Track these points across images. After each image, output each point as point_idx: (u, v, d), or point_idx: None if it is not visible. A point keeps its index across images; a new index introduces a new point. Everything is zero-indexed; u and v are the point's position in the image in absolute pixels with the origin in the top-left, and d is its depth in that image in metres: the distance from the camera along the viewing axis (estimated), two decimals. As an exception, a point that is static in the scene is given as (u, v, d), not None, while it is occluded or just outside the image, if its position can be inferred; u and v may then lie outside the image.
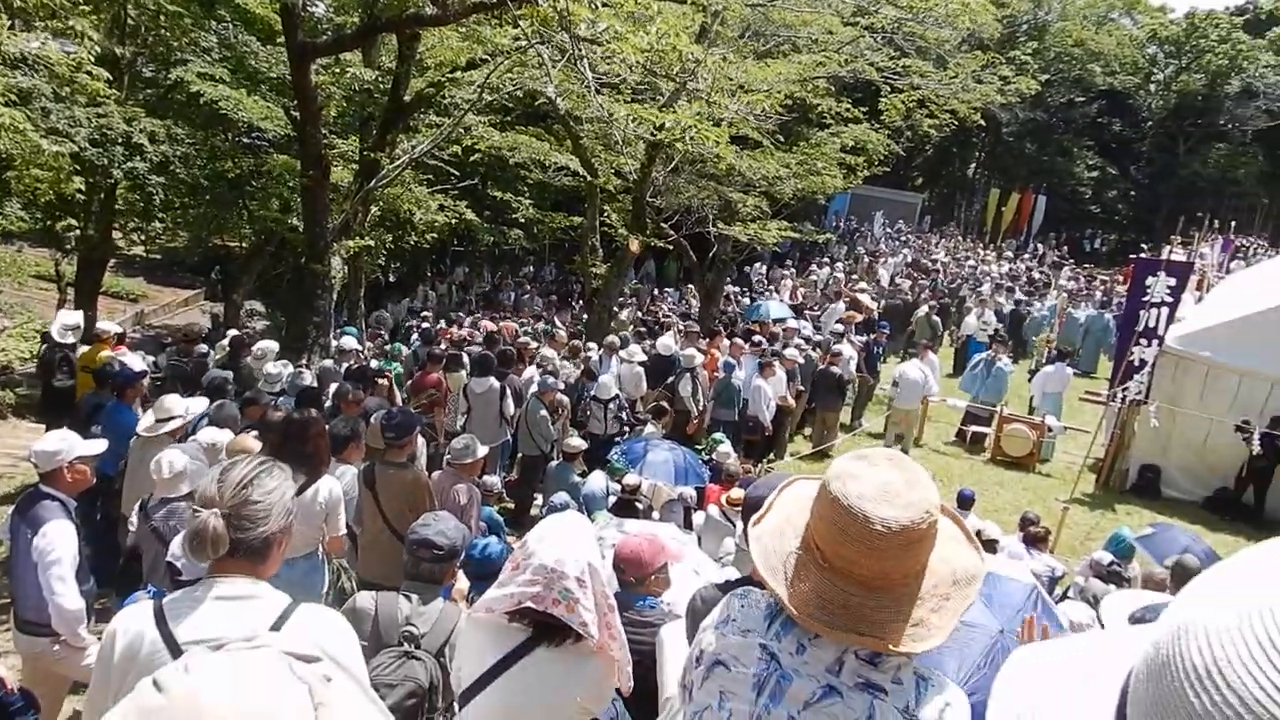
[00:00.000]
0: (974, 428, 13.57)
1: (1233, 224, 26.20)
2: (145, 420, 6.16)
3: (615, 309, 16.99)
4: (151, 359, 10.50)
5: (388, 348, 13.13)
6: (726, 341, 13.38)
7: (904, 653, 1.57)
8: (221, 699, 0.95)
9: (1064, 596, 7.07)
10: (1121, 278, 25.60)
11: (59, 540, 4.27)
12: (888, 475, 1.59)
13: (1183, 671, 0.72)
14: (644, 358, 12.33)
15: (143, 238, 21.90)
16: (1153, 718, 0.76)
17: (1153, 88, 43.25)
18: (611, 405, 10.71)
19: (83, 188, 13.01)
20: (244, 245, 21.69)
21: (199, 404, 6.58)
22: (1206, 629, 0.72)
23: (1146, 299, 11.31)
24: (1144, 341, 11.29)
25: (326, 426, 5.39)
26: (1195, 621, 0.74)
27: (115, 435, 6.11)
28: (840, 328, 15.75)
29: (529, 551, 2.58)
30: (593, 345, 13.25)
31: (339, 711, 1.00)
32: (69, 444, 4.54)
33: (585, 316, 17.92)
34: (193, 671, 0.99)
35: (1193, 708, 0.70)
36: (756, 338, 13.78)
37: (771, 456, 12.35)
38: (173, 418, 5.99)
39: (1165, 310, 11.27)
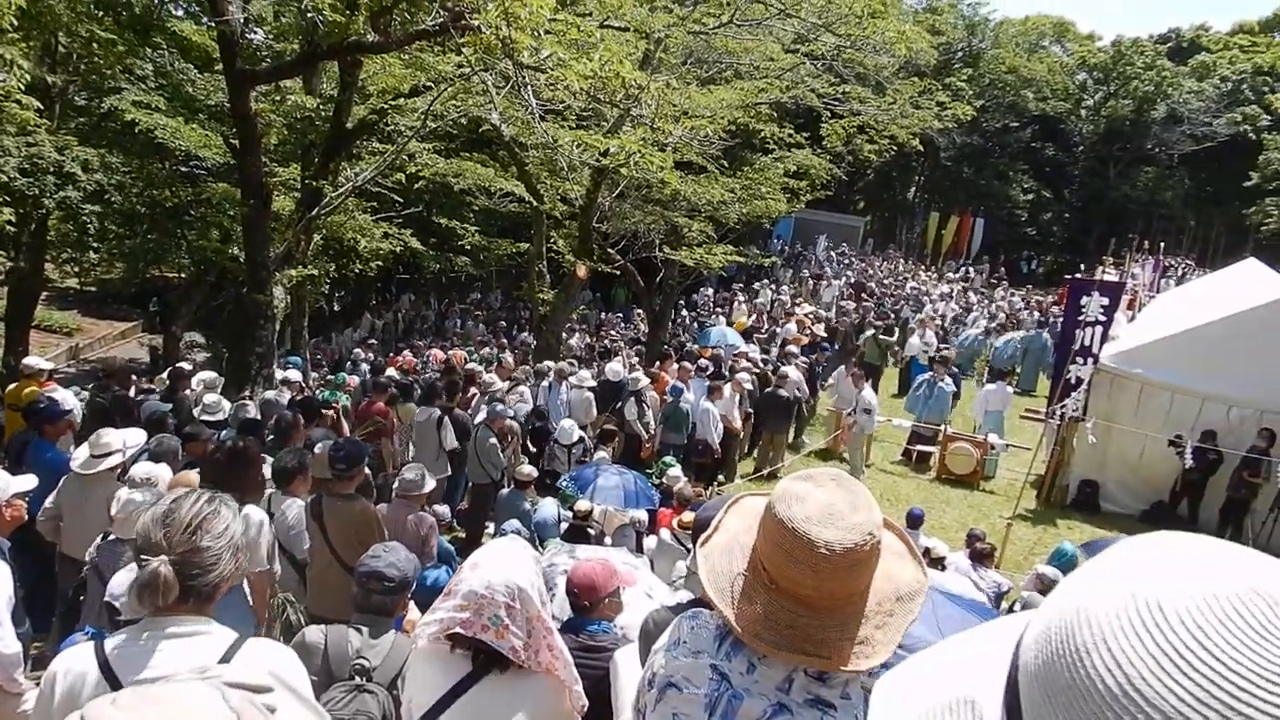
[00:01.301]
0: (919, 447, 13.77)
1: (1161, 245, 27.09)
2: (80, 455, 5.96)
3: (564, 335, 16.98)
4: (85, 394, 10.22)
5: (330, 377, 12.96)
6: (676, 366, 13.43)
7: (852, 671, 1.59)
8: None
9: (1009, 611, 7.18)
10: (1054, 298, 26.24)
11: None
12: (832, 497, 1.61)
13: (1098, 694, 0.72)
14: (593, 383, 12.31)
15: (77, 269, 21.42)
16: None
17: (1083, 113, 44.61)
18: (575, 449, 10.59)
19: (13, 219, 12.70)
20: (183, 276, 21.28)
21: (136, 436, 6.40)
22: (1107, 642, 0.72)
23: (1082, 318, 11.58)
24: (1080, 360, 11.56)
25: (261, 456, 5.30)
26: (1092, 635, 0.74)
27: (37, 473, 5.85)
28: (794, 349, 15.90)
29: (461, 578, 2.58)
30: (527, 371, 13.17)
31: None
32: (3, 482, 4.41)
33: (534, 343, 17.88)
34: (119, 704, 0.96)
35: None
36: (703, 361, 13.86)
37: (721, 479, 12.40)
38: (110, 453, 5.81)
39: (1099, 329, 11.56)
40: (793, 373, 13.71)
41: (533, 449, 10.94)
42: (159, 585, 2.08)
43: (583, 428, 11.54)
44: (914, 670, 1.05)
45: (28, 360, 10.13)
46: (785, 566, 1.60)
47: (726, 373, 13.53)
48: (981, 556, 7.93)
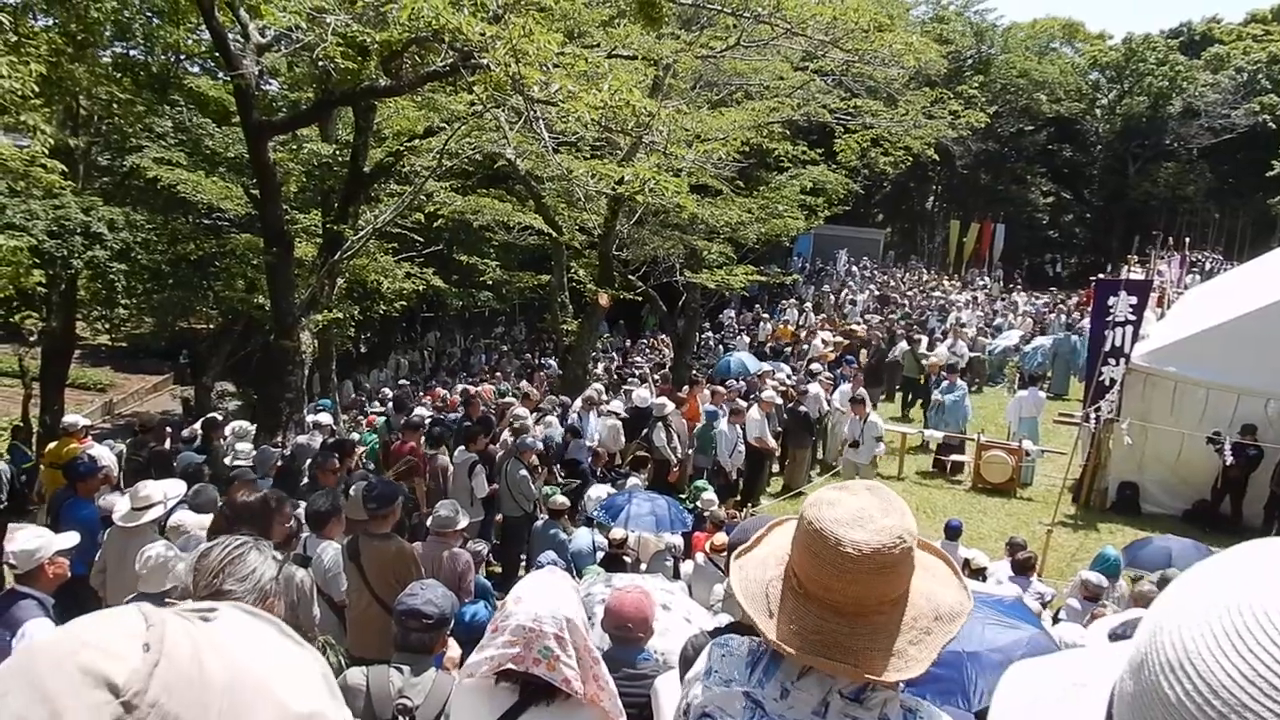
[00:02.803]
0: (952, 457, 13.63)
1: (1186, 240, 26.77)
2: (121, 509, 6.01)
3: (590, 364, 17.02)
4: (121, 448, 10.34)
5: (360, 418, 13.06)
6: (707, 391, 13.38)
7: (881, 681, 1.56)
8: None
9: (1055, 618, 7.08)
10: (1078, 299, 25.97)
11: None
12: (864, 502, 1.60)
13: (1158, 665, 0.74)
14: (621, 411, 12.33)
15: (107, 326, 21.78)
16: (1134, 712, 0.79)
17: (1098, 112, 44.31)
18: None
19: (43, 280, 12.93)
20: (211, 326, 21.60)
21: (176, 488, 6.45)
22: (1179, 626, 0.75)
23: (1110, 319, 11.44)
24: (1111, 361, 11.41)
25: (282, 502, 5.31)
26: (1169, 620, 0.77)
27: (73, 530, 5.79)
28: (817, 367, 15.83)
29: (507, 613, 2.57)
30: (553, 402, 13.17)
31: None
32: (46, 540, 4.45)
33: (559, 373, 17.93)
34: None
35: (1167, 698, 0.73)
36: (730, 381, 13.85)
37: (754, 501, 12.33)
38: (152, 505, 5.85)
39: (1129, 329, 11.41)
40: (814, 388, 13.66)
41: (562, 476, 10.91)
42: None
43: (611, 455, 11.53)
44: (1049, 662, 1.10)
45: (67, 419, 10.28)
46: (813, 569, 1.58)
47: (755, 393, 13.49)
48: (1025, 567, 7.78)
